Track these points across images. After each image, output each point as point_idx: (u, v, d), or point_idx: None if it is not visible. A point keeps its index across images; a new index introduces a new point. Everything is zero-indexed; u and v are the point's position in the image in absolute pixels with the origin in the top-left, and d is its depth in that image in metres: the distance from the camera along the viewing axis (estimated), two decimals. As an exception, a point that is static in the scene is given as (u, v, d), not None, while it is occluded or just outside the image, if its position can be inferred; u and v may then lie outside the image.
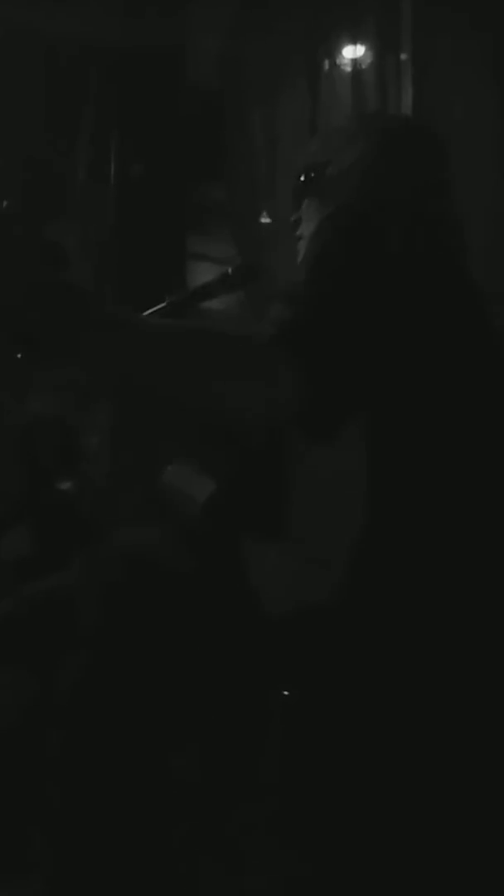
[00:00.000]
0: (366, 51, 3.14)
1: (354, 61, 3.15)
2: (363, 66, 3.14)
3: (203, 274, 2.66)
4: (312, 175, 1.36)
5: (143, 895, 1.21)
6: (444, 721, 1.07)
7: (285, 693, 1.15)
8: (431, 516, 1.11)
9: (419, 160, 1.30)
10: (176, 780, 1.19)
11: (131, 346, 1.02)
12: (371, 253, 1.13)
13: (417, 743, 1.07)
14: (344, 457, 1.13)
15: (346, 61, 3.15)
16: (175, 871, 1.20)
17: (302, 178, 1.39)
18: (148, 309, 1.58)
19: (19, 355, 1.33)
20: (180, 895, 1.20)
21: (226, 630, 1.20)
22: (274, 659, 1.18)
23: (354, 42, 3.14)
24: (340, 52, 3.15)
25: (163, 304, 1.57)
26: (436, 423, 1.13)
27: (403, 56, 3.03)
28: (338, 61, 3.15)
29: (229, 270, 1.57)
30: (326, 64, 3.14)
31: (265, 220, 1.50)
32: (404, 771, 1.06)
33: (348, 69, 3.15)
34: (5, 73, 2.70)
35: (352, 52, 3.15)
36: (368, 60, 3.13)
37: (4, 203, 1.08)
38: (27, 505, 2.07)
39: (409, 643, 1.09)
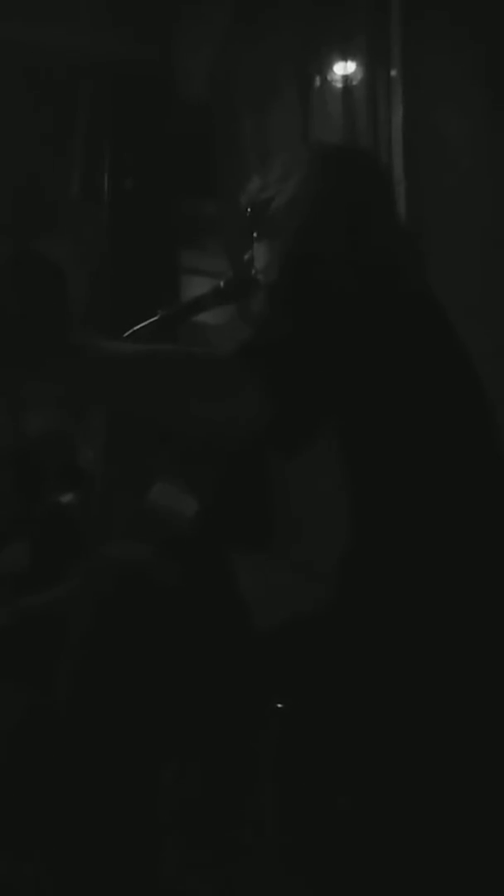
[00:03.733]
0: (356, 66, 3.16)
1: (345, 77, 3.17)
2: (353, 82, 3.17)
3: (197, 288, 2.67)
4: (258, 211, 1.40)
5: None
6: (436, 728, 1.07)
7: (279, 705, 1.15)
8: (414, 522, 1.13)
9: (358, 182, 1.34)
10: (170, 794, 1.19)
11: (101, 371, 1.05)
12: (324, 280, 1.17)
13: (410, 751, 1.07)
14: (325, 468, 1.15)
15: (336, 77, 3.17)
16: (169, 884, 1.20)
17: (248, 214, 1.42)
18: (140, 323, 1.59)
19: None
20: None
21: (217, 643, 1.20)
22: (266, 671, 1.18)
23: (345, 58, 3.16)
24: (331, 68, 3.17)
25: (155, 318, 1.58)
26: (407, 429, 1.16)
27: (393, 72, 3.05)
28: (328, 77, 3.17)
29: (221, 283, 1.58)
30: (317, 80, 3.16)
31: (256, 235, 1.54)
32: (398, 779, 1.06)
33: (339, 85, 3.17)
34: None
35: (342, 69, 3.17)
36: (359, 76, 3.16)
37: None
38: (25, 520, 2.07)
39: (400, 651, 1.09)
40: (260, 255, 1.43)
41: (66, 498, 2.11)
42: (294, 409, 1.08)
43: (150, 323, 1.58)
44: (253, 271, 1.47)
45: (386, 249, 1.28)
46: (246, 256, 1.48)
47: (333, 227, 1.28)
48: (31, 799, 1.38)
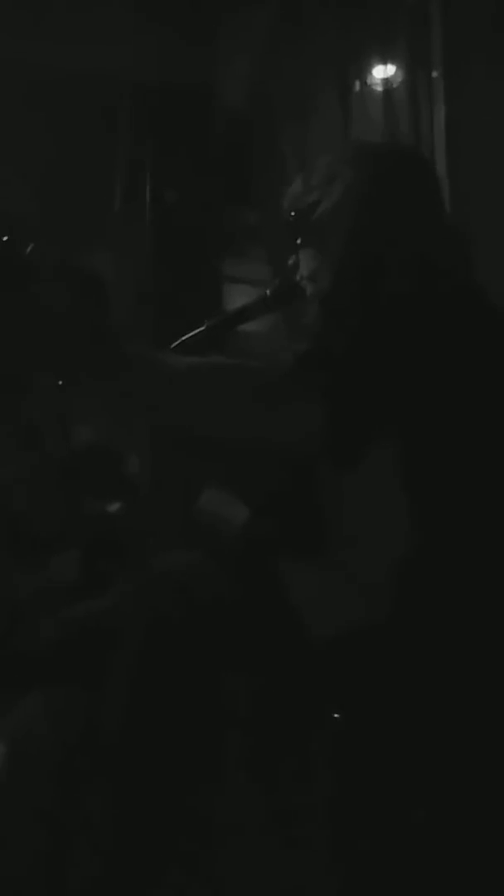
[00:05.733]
0: (396, 69, 3.15)
1: (385, 80, 3.16)
2: (394, 85, 3.15)
3: (239, 297, 2.67)
4: (302, 216, 1.37)
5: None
6: (495, 740, 1.05)
7: (335, 716, 1.14)
8: (474, 531, 1.11)
9: (408, 184, 1.31)
10: (224, 806, 1.18)
11: (156, 384, 1.05)
12: (377, 285, 1.16)
13: (466, 763, 1.05)
14: (380, 477, 1.14)
15: (376, 81, 3.16)
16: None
17: (292, 218, 1.40)
18: (186, 334, 1.59)
19: (60, 382, 1.36)
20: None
21: (272, 654, 1.20)
22: (322, 681, 1.17)
23: (385, 61, 3.15)
24: (371, 72, 3.16)
25: (201, 328, 1.58)
26: (466, 435, 1.14)
27: (435, 73, 3.03)
28: (368, 81, 3.16)
29: (267, 292, 1.57)
30: (357, 84, 3.15)
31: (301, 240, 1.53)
32: (454, 790, 1.05)
33: (379, 88, 3.16)
34: (40, 107, 2.76)
35: (382, 72, 3.16)
36: (399, 79, 3.14)
37: (5, 238, 1.11)
38: (73, 530, 2.09)
39: (455, 662, 1.08)
40: (306, 261, 1.41)
41: (114, 507, 2.12)
42: (350, 423, 1.07)
43: (197, 333, 1.58)
44: (298, 278, 1.45)
45: (437, 251, 1.26)
46: (290, 262, 1.47)
47: (381, 232, 1.26)
48: (83, 813, 1.38)
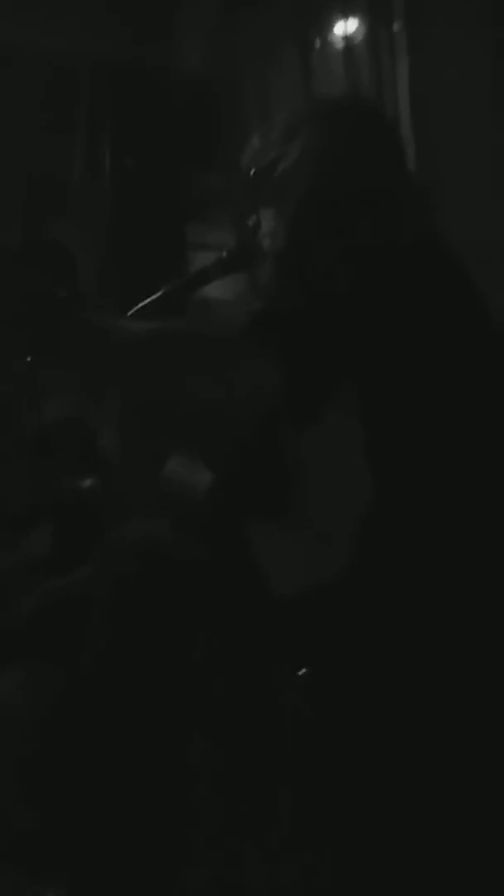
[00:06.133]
0: (358, 24, 3.09)
1: (346, 36, 3.11)
2: (356, 41, 3.10)
3: (203, 262, 2.65)
4: (262, 174, 1.35)
5: (166, 884, 1.21)
6: (455, 698, 1.06)
7: (300, 672, 1.15)
8: (435, 486, 1.11)
9: (367, 138, 1.29)
10: (195, 766, 1.19)
11: (111, 352, 1.05)
12: (336, 241, 1.14)
13: (428, 719, 1.06)
14: (340, 435, 1.13)
15: (337, 36, 3.11)
16: (197, 857, 1.20)
17: (252, 176, 1.37)
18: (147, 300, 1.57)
19: (29, 358, 1.35)
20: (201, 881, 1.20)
21: (237, 613, 1.20)
22: (287, 638, 1.18)
23: (345, 16, 3.10)
24: (331, 28, 3.11)
25: (159, 293, 1.56)
26: (426, 390, 1.13)
27: (396, 27, 2.98)
28: (329, 37, 3.11)
29: (224, 253, 1.55)
30: (317, 41, 3.10)
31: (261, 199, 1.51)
32: (416, 747, 1.06)
33: (341, 44, 3.11)
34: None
35: (343, 27, 3.11)
36: (361, 34, 3.09)
37: None
38: (47, 505, 2.09)
39: (418, 618, 1.08)
40: (266, 221, 1.39)
41: (86, 482, 2.12)
42: (307, 381, 1.07)
43: (156, 298, 1.56)
44: (259, 238, 1.43)
45: (397, 205, 1.24)
46: (250, 222, 1.44)
47: (343, 188, 1.24)
48: (63, 778, 1.39)
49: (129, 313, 1.53)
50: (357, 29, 3.08)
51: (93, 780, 1.30)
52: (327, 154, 1.27)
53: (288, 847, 1.13)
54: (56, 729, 1.54)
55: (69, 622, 1.65)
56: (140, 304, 1.55)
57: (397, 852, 1.07)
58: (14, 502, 2.06)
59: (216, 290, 1.67)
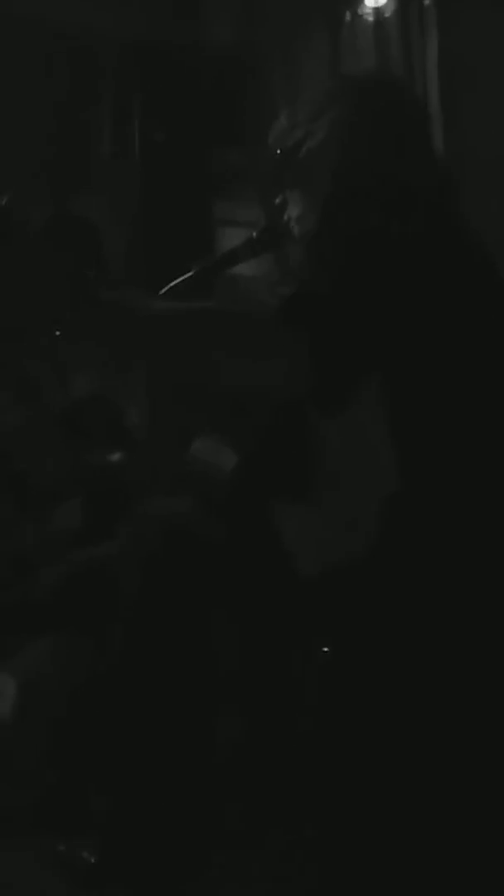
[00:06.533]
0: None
1: (377, 10, 3.08)
2: (386, 14, 3.07)
3: (231, 239, 2.64)
4: (288, 154, 1.34)
5: (190, 848, 1.26)
6: (478, 681, 1.08)
7: (324, 650, 1.17)
8: (455, 471, 1.12)
9: (394, 117, 1.27)
10: (220, 739, 1.23)
11: (141, 330, 1.06)
12: (366, 225, 1.14)
13: (451, 700, 1.08)
14: (366, 418, 1.14)
15: (368, 10, 3.08)
16: (219, 826, 1.25)
17: (278, 157, 1.37)
18: (177, 276, 1.58)
19: (58, 333, 1.37)
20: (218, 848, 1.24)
21: (262, 591, 1.23)
22: (311, 617, 1.20)
23: (375, -11, 3.07)
24: (362, 2, 3.08)
25: (189, 274, 1.57)
26: (453, 375, 1.13)
27: (427, 1, 2.95)
28: (359, 10, 3.08)
29: (254, 234, 1.56)
30: (347, 14, 3.07)
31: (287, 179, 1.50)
32: (437, 724, 1.08)
33: (370, 18, 3.08)
34: (24, 55, 2.71)
35: (373, 1, 3.08)
36: (392, 8, 3.06)
37: (4, 200, 1.10)
38: (76, 479, 2.12)
39: (441, 598, 1.10)
40: (293, 201, 1.38)
41: (114, 457, 2.15)
42: (336, 366, 1.07)
43: (186, 278, 1.57)
44: (286, 217, 1.43)
45: (425, 185, 1.23)
46: (277, 201, 1.44)
47: (369, 167, 1.23)
48: (92, 748, 1.43)
49: (162, 292, 1.54)
50: (387, 4, 3.05)
51: (119, 747, 1.34)
52: (353, 133, 1.26)
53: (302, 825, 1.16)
54: (84, 697, 1.59)
55: (95, 595, 1.69)
56: (171, 284, 1.56)
57: (414, 837, 1.09)
58: (45, 477, 2.09)
59: (244, 267, 1.68)
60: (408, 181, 1.21)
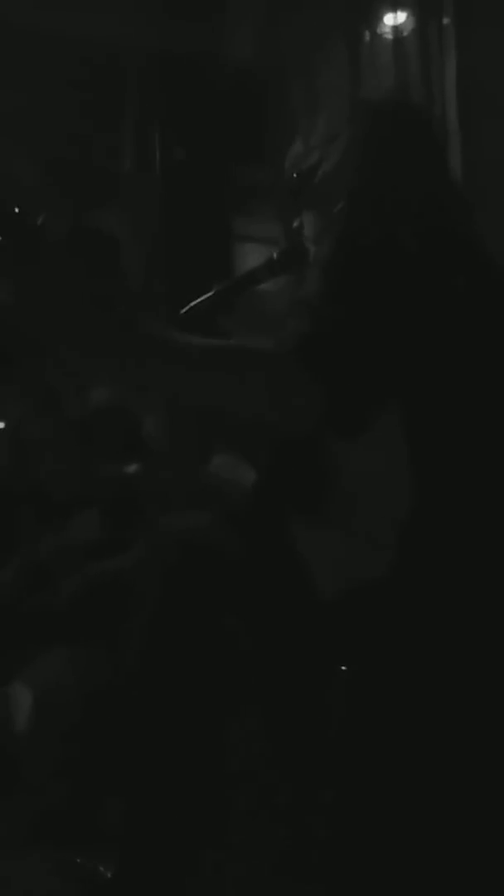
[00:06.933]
0: (407, 17, 3.09)
1: (395, 28, 3.10)
2: (404, 33, 3.09)
3: (249, 255, 2.67)
4: (304, 177, 1.35)
5: (207, 861, 1.27)
6: (497, 703, 1.09)
7: (343, 668, 1.18)
8: (476, 493, 1.13)
9: (409, 141, 1.27)
10: (238, 756, 1.24)
11: (164, 366, 1.07)
12: (381, 252, 1.14)
13: (471, 716, 1.09)
14: (384, 440, 1.15)
15: (386, 29, 3.10)
16: (237, 837, 1.26)
17: (294, 180, 1.37)
18: (197, 296, 1.61)
19: (77, 345, 1.37)
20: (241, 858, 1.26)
21: (280, 610, 1.24)
22: (329, 636, 1.21)
23: (395, 8, 3.09)
24: (381, 20, 3.10)
25: (209, 294, 1.59)
26: (466, 402, 1.14)
27: (446, 20, 2.97)
28: (378, 30, 3.11)
29: (274, 255, 1.58)
30: (367, 34, 3.09)
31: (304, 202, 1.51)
32: (460, 743, 1.09)
33: (389, 37, 3.10)
34: (46, 71, 2.74)
35: (392, 19, 3.10)
36: (410, 27, 3.08)
37: (17, 209, 1.11)
38: (93, 490, 2.14)
39: (460, 619, 1.11)
40: (309, 224, 1.40)
41: (131, 468, 2.17)
42: (354, 393, 1.07)
43: (205, 298, 1.59)
44: (303, 240, 1.44)
45: (440, 209, 1.24)
46: (295, 224, 1.45)
47: (383, 191, 1.24)
48: (110, 760, 1.45)
49: (183, 311, 1.56)
50: (406, 21, 3.08)
51: (134, 758, 1.36)
52: (368, 157, 1.26)
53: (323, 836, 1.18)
54: (99, 707, 1.60)
55: (111, 606, 1.70)
56: (192, 304, 1.58)
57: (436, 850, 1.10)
58: (62, 487, 2.11)
59: (265, 284, 1.69)
60: (423, 205, 1.22)
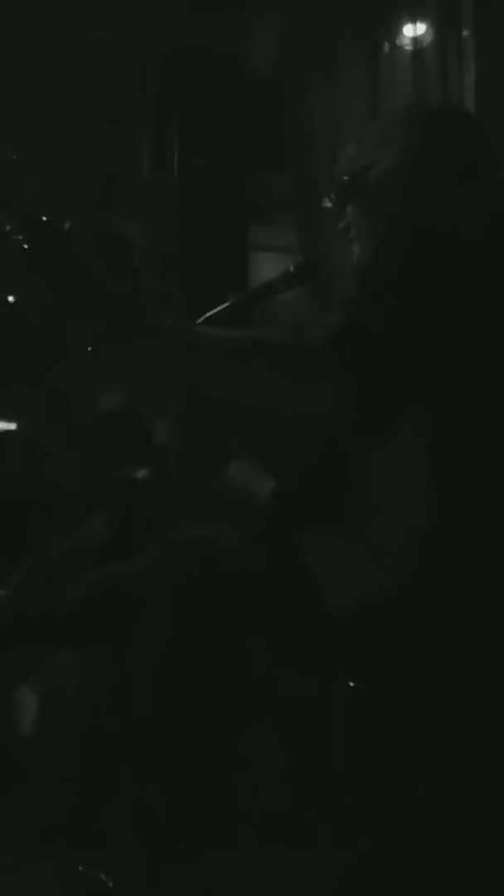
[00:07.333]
0: (426, 29, 3.09)
1: (414, 40, 3.11)
2: (424, 45, 3.10)
3: (265, 264, 2.67)
4: (355, 180, 1.35)
5: (217, 867, 1.26)
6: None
7: (350, 684, 1.18)
8: (495, 512, 1.12)
9: (460, 146, 1.27)
10: (248, 767, 1.24)
11: (186, 356, 1.06)
12: (427, 255, 1.13)
13: (479, 735, 1.08)
14: (404, 454, 1.14)
15: (406, 41, 3.11)
16: (247, 847, 1.26)
17: (345, 182, 1.38)
18: (213, 306, 1.61)
19: (90, 348, 1.38)
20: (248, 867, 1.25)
21: (292, 622, 1.24)
22: (339, 650, 1.21)
23: (414, 20, 3.10)
24: (400, 32, 3.11)
25: (225, 305, 1.59)
26: (494, 416, 1.13)
27: (465, 32, 2.98)
28: (398, 41, 3.11)
29: (291, 268, 1.58)
30: (386, 45, 3.10)
31: (328, 204, 1.50)
32: (466, 761, 1.08)
33: (409, 49, 3.11)
34: (67, 74, 2.75)
35: (412, 31, 3.11)
36: (429, 39, 3.09)
37: (44, 218, 1.11)
38: (103, 494, 2.13)
39: (471, 638, 1.10)
40: (356, 227, 1.37)
41: (141, 474, 2.16)
42: (381, 400, 1.05)
43: (221, 309, 1.59)
44: (349, 239, 1.43)
45: (490, 217, 1.23)
46: (340, 226, 1.44)
47: (435, 196, 1.23)
48: (117, 768, 1.45)
49: (199, 321, 1.56)
50: (426, 33, 3.09)
51: (143, 765, 1.36)
52: (420, 163, 1.26)
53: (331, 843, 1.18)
54: (105, 712, 1.60)
55: (119, 611, 1.71)
56: (208, 314, 1.58)
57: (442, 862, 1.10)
58: (72, 492, 2.11)
59: (278, 298, 1.69)
60: (471, 215, 1.21)
